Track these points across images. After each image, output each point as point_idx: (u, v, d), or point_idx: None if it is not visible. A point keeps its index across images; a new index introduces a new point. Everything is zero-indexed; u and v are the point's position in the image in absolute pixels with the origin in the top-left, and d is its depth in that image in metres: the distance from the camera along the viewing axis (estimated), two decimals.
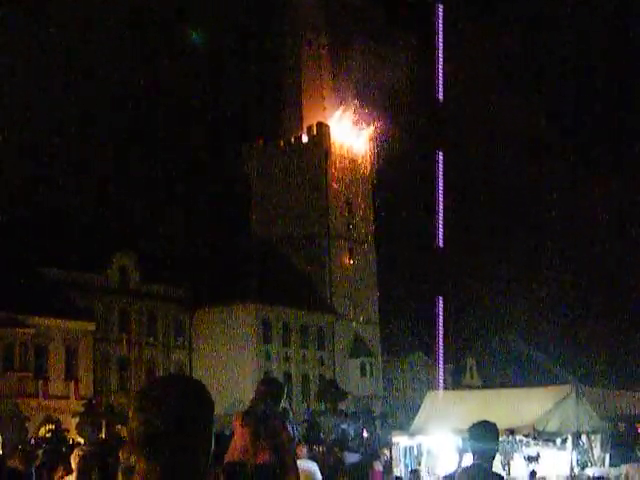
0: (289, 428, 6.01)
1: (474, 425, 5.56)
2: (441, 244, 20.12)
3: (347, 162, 71.97)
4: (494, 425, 5.56)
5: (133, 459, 2.01)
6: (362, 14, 71.79)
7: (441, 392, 15.65)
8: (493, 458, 5.54)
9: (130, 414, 2.02)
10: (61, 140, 71.75)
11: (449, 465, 10.59)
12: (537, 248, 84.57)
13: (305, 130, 71.98)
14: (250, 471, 5.76)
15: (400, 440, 14.54)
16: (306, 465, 7.67)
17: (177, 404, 2.00)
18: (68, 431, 39.60)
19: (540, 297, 76.32)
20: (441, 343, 20.23)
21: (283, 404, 6.31)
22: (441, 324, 19.94)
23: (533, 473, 12.54)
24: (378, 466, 18.52)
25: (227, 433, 24.03)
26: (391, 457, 16.45)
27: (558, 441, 12.52)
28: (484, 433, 5.48)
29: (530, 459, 12.40)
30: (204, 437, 2.03)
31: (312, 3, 73.73)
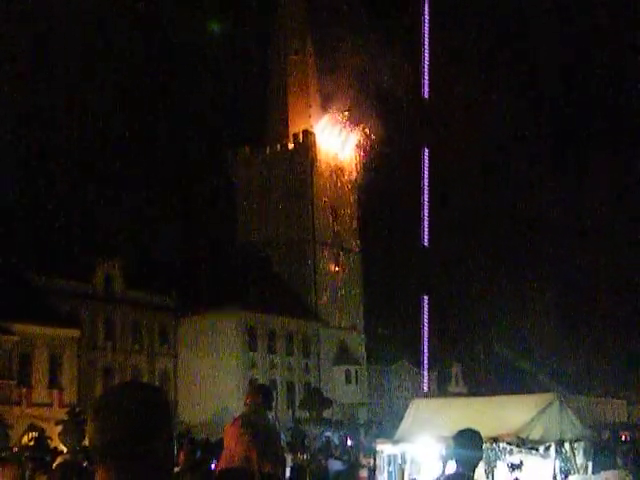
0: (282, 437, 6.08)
1: (458, 433, 5.58)
2: (426, 243, 20.16)
3: (333, 169, 72.11)
4: (478, 433, 5.58)
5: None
6: (349, 20, 71.97)
7: (425, 400, 15.68)
8: (476, 466, 5.56)
9: (88, 423, 2.02)
10: (47, 146, 71.39)
11: (432, 473, 10.61)
12: (522, 257, 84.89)
13: (291, 137, 72.05)
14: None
15: (384, 448, 14.53)
16: None
17: (132, 411, 1.99)
18: (51, 439, 39.36)
19: (525, 306, 76.58)
20: (426, 342, 20.28)
21: (272, 411, 6.35)
22: (426, 324, 19.98)
23: None
24: (362, 473, 18.52)
25: (212, 440, 23.98)
26: (375, 465, 16.45)
27: (541, 449, 12.55)
28: (468, 441, 5.50)
29: (513, 467, 12.43)
30: (163, 443, 2.01)
31: (298, 11, 73.89)
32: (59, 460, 8.36)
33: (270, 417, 6.36)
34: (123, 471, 1.96)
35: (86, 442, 34.45)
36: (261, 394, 6.30)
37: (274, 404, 6.37)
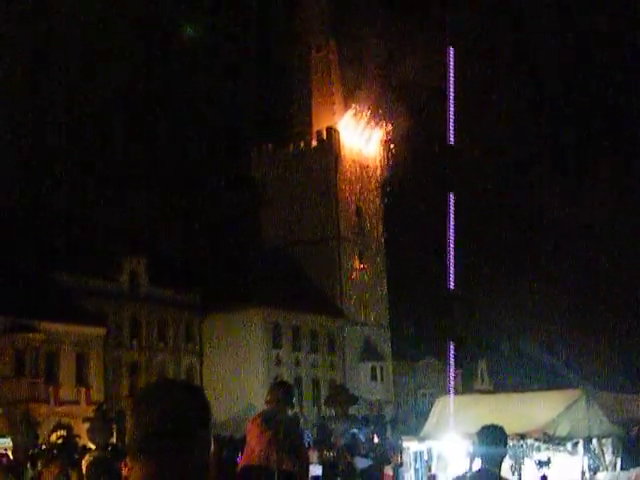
0: (304, 434, 6.07)
1: (482, 429, 5.55)
2: (452, 240, 20.00)
3: (357, 166, 71.98)
4: (502, 429, 5.54)
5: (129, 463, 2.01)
6: (371, 14, 71.82)
7: (452, 396, 15.63)
8: (501, 462, 5.52)
9: (127, 418, 2.04)
10: (71, 143, 71.93)
11: (459, 470, 10.57)
12: (549, 253, 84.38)
13: (315, 135, 72.01)
14: (276, 477, 5.76)
15: (410, 445, 14.52)
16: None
17: (171, 406, 2.01)
18: (79, 437, 39.66)
19: (552, 301, 76.12)
20: (451, 339, 20.20)
21: (295, 409, 6.34)
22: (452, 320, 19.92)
23: (544, 478, 12.50)
24: (388, 471, 18.51)
25: (237, 437, 24.04)
26: (401, 462, 16.44)
27: (569, 445, 12.48)
28: (492, 437, 5.47)
29: (541, 464, 12.36)
30: (201, 439, 2.03)
31: (321, 8, 73.81)
32: (87, 458, 8.40)
33: (292, 414, 6.35)
34: (159, 466, 1.97)
35: (114, 439, 34.78)
36: (282, 391, 6.30)
37: (296, 401, 6.35)
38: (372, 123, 72.48)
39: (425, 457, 13.85)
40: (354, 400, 57.00)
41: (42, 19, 71.42)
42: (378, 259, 72.62)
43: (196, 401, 2.07)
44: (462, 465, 10.52)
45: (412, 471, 14.23)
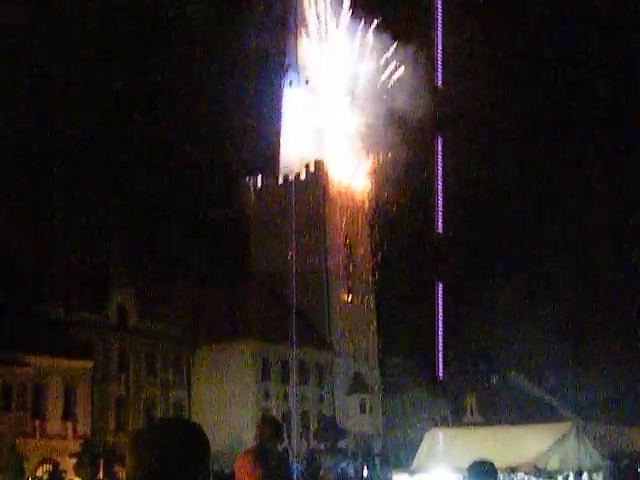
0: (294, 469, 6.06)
1: (472, 464, 5.54)
2: (440, 230, 19.96)
3: (345, 199, 72.13)
4: (492, 464, 5.54)
5: None
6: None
7: (441, 430, 15.58)
8: None
9: (127, 455, 2.04)
10: (57, 171, 71.53)
11: None
12: (536, 282, 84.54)
13: (303, 167, 72.24)
14: None
15: (401, 478, 14.46)
16: None
17: (171, 446, 2.01)
18: (65, 472, 39.31)
19: (540, 333, 76.17)
20: (440, 361, 20.11)
21: (284, 444, 6.32)
22: (440, 354, 19.85)
23: None
24: None
25: (226, 472, 23.87)
26: None
27: (560, 479, 12.44)
28: (482, 472, 5.46)
29: None
30: (201, 478, 2.03)
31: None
32: None
33: (282, 449, 6.33)
34: None
35: (100, 475, 34.47)
36: (271, 427, 6.29)
37: (285, 435, 6.34)
38: (360, 154, 72.79)
39: None
40: (343, 434, 56.77)
41: (42, 19, 71.35)
42: (367, 291, 72.56)
43: (196, 440, 2.07)
44: None
45: None
